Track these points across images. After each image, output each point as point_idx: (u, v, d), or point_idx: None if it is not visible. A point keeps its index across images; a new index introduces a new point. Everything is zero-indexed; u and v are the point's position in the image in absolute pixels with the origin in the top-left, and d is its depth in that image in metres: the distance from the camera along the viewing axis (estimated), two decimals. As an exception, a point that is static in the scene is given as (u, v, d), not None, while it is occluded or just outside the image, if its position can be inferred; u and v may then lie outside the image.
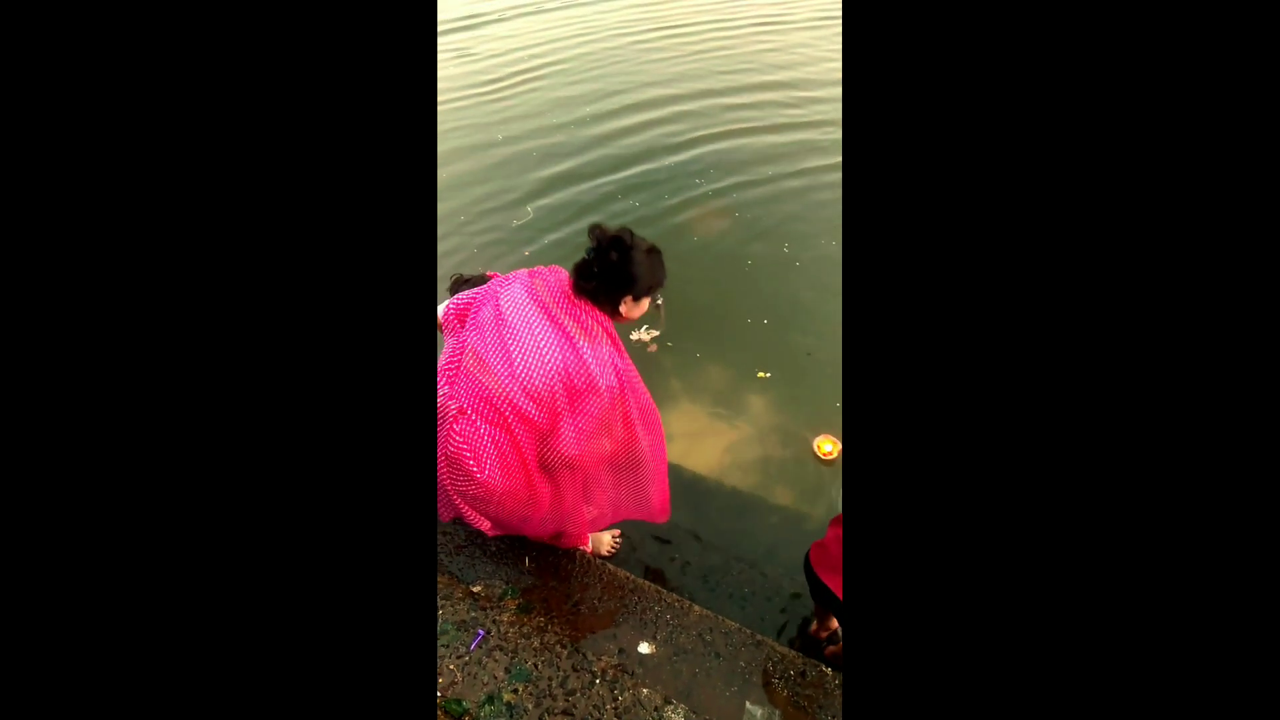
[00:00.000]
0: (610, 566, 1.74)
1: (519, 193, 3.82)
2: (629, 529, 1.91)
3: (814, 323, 2.67)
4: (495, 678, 1.41)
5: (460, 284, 1.55)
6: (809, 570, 1.41)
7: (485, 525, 1.55)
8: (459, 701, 1.35)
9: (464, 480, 1.36)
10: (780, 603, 1.76)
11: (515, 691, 1.39)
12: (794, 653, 1.53)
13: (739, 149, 4.13)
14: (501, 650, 1.47)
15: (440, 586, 1.63)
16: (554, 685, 1.41)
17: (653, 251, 1.39)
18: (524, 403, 1.27)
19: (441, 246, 3.26)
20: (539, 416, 1.29)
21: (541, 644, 1.49)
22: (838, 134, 4.03)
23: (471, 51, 6.74)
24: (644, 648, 1.52)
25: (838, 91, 4.36)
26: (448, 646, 1.47)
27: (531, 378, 1.27)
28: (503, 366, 1.27)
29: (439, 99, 5.36)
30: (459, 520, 1.51)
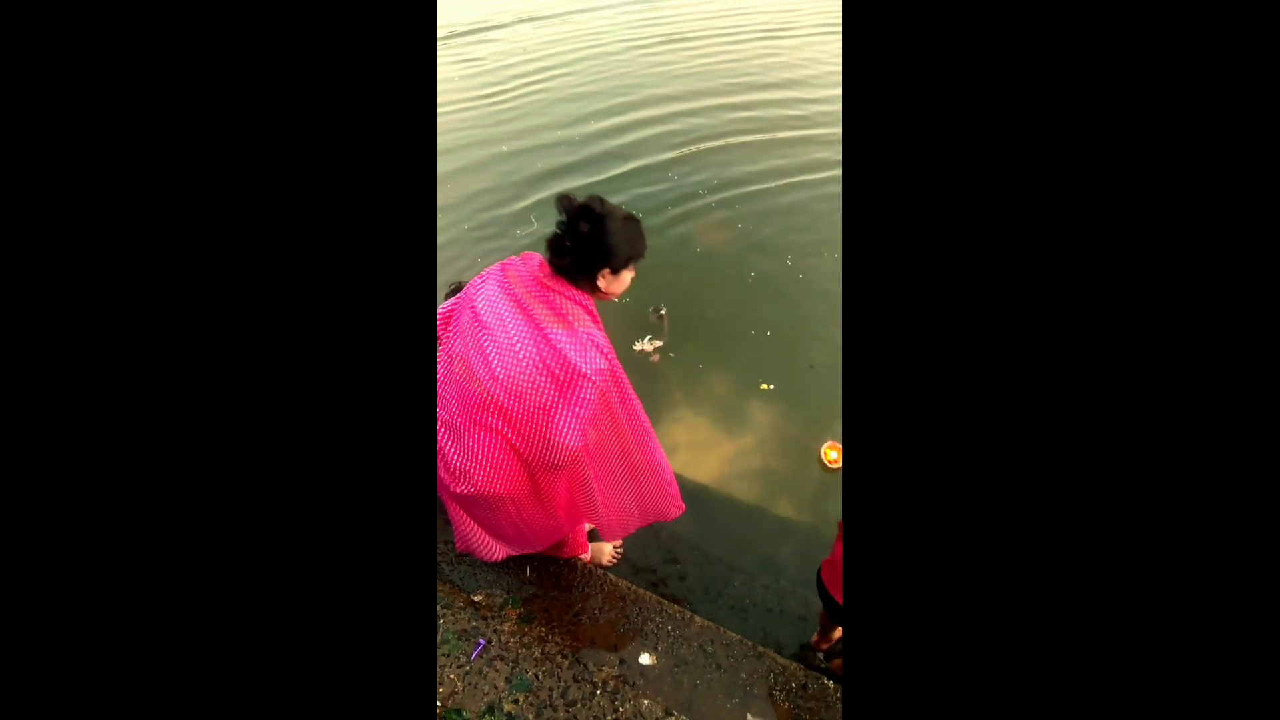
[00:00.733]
0: (611, 577, 1.74)
1: (523, 199, 3.85)
2: (630, 539, 1.91)
3: (817, 335, 2.67)
4: (496, 688, 1.41)
5: (458, 291, 1.54)
6: (821, 588, 1.39)
7: (498, 554, 1.54)
8: (459, 711, 1.35)
9: (463, 484, 1.35)
10: (782, 614, 1.75)
11: (516, 702, 1.39)
12: (796, 665, 1.52)
13: (742, 158, 4.14)
14: (502, 660, 1.47)
15: (441, 595, 1.63)
16: (555, 695, 1.41)
17: (629, 219, 1.27)
18: (510, 403, 1.23)
19: (442, 256, 3.28)
20: (528, 414, 1.24)
21: (542, 654, 1.49)
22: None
23: (477, 59, 6.80)
24: (645, 659, 1.51)
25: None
26: (449, 656, 1.47)
27: (511, 376, 1.22)
28: (484, 370, 1.24)
29: (444, 106, 5.43)
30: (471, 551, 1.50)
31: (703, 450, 2.27)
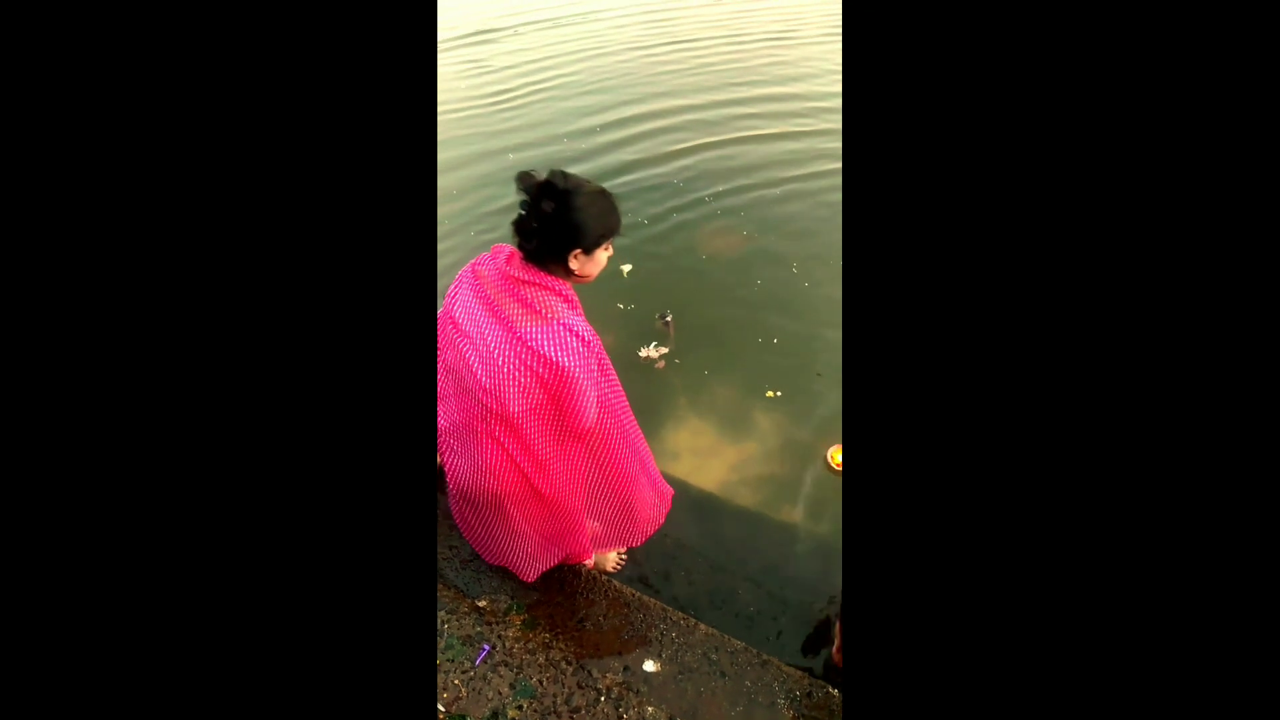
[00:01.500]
0: (616, 583, 1.74)
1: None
2: (634, 546, 1.91)
3: (824, 342, 2.67)
4: (500, 693, 1.41)
5: None
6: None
7: (531, 572, 1.56)
8: (463, 717, 1.35)
9: (476, 488, 1.35)
10: (787, 622, 1.75)
11: (520, 708, 1.39)
12: (800, 673, 1.52)
13: (747, 163, 4.14)
14: (506, 666, 1.47)
15: (446, 600, 1.63)
16: (559, 702, 1.41)
17: (599, 193, 1.18)
18: (501, 408, 1.20)
19: (442, 262, 3.29)
20: (526, 412, 1.21)
21: (546, 660, 1.49)
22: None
23: (483, 63, 6.81)
24: (649, 665, 1.51)
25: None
26: (453, 661, 1.47)
27: (498, 385, 1.19)
28: (472, 380, 1.22)
29: (447, 107, 5.44)
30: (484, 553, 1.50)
31: (708, 457, 2.27)
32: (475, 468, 1.32)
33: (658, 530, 1.67)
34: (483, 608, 1.63)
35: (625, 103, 5.30)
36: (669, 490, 1.64)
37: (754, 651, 1.56)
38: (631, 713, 1.39)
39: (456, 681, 1.43)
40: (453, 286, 1.31)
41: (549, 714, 1.37)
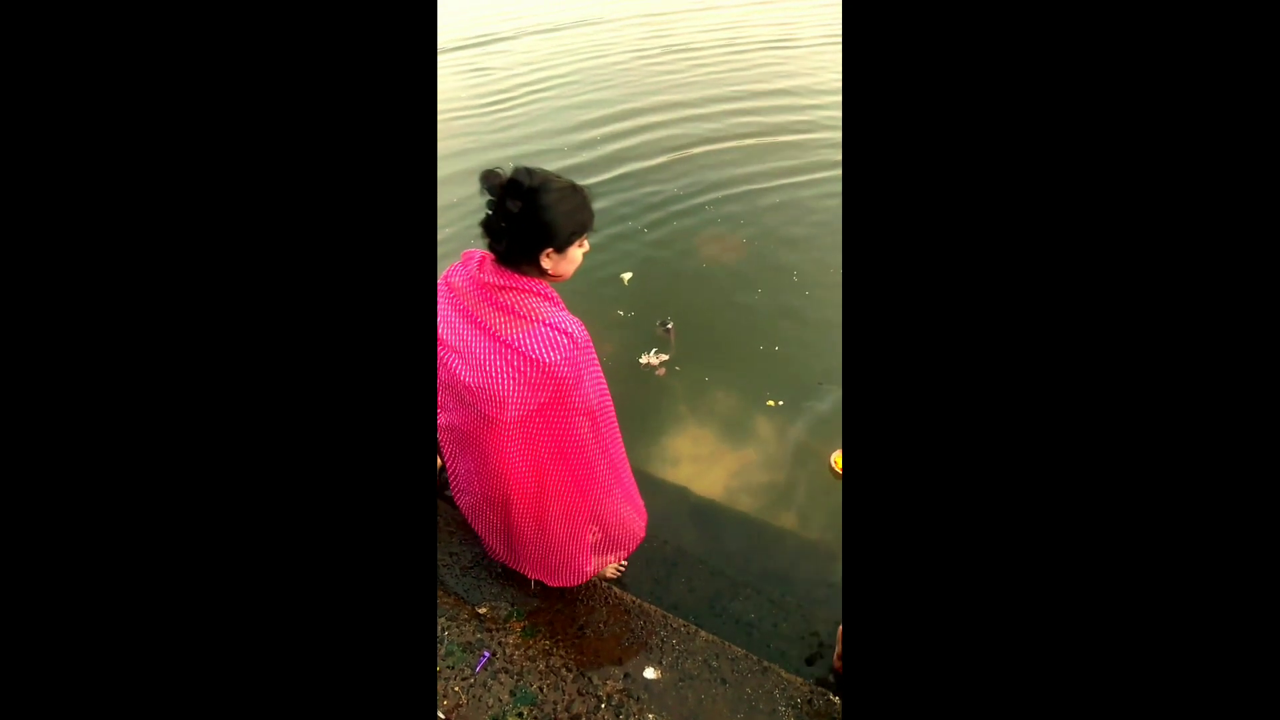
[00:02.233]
0: (616, 590, 1.74)
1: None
2: (634, 553, 1.91)
3: (826, 351, 2.67)
4: (500, 700, 1.41)
5: None
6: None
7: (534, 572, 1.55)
8: (464, 725, 1.35)
9: (489, 493, 1.35)
10: (788, 629, 1.75)
11: (520, 715, 1.39)
12: (801, 680, 1.52)
13: (749, 170, 4.15)
14: (507, 673, 1.47)
15: (446, 607, 1.63)
16: (559, 709, 1.41)
17: (570, 189, 1.12)
18: (498, 413, 1.19)
19: (442, 250, 3.30)
20: (528, 416, 1.19)
21: (547, 667, 1.49)
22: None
23: (484, 68, 6.85)
24: (650, 673, 1.51)
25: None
26: (453, 668, 1.47)
27: (491, 391, 1.16)
28: (467, 392, 1.21)
29: (449, 113, 5.48)
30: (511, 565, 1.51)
31: (708, 464, 2.27)
32: (484, 473, 1.32)
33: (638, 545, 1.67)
34: (483, 614, 1.63)
35: (625, 107, 5.33)
36: (643, 512, 1.63)
37: (755, 658, 1.56)
38: (632, 720, 1.39)
39: (457, 688, 1.43)
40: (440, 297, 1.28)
41: (549, 721, 1.37)
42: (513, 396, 1.16)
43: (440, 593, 1.68)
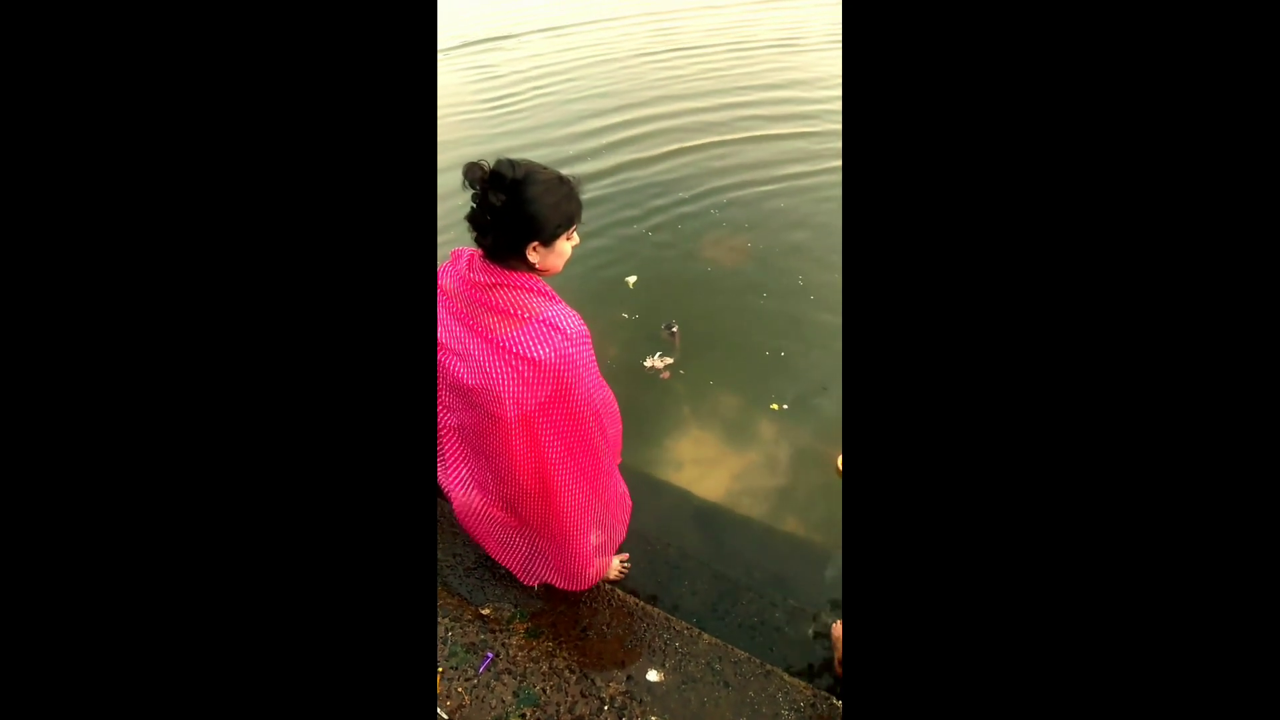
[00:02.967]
0: (619, 592, 1.74)
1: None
2: (637, 555, 1.91)
3: (830, 355, 2.67)
4: (503, 701, 1.42)
5: None
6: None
7: (532, 577, 1.55)
8: (467, 725, 1.36)
9: (500, 494, 1.35)
10: (790, 632, 1.75)
11: (523, 716, 1.39)
12: (804, 684, 1.52)
13: (756, 179, 4.15)
14: (510, 674, 1.48)
15: (450, 608, 1.64)
16: (562, 710, 1.41)
17: (556, 181, 1.09)
18: (500, 411, 1.18)
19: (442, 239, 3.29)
20: (530, 415, 1.18)
21: (550, 669, 1.50)
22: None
23: (489, 66, 6.86)
24: (652, 675, 1.52)
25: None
26: (456, 669, 1.48)
27: (492, 392, 1.15)
28: (470, 393, 1.21)
29: (454, 110, 5.49)
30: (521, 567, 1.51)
31: (711, 467, 2.27)
32: (495, 473, 1.32)
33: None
34: (486, 615, 1.63)
35: (631, 108, 5.34)
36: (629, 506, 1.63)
37: (757, 661, 1.56)
38: (635, 722, 1.39)
39: (460, 689, 1.44)
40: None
41: (552, 723, 1.38)
42: (512, 395, 1.15)
43: (443, 593, 1.69)
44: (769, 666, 1.55)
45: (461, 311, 1.17)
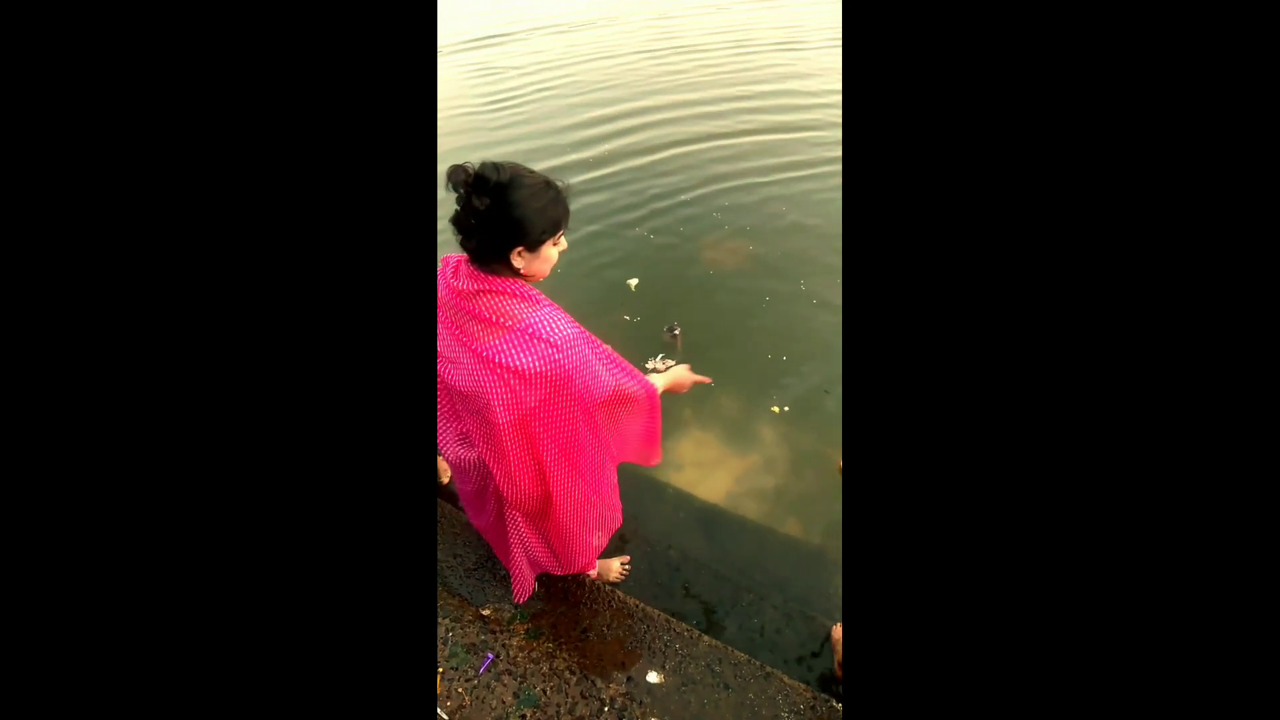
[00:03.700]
0: (619, 593, 1.74)
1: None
2: (638, 557, 1.92)
3: (831, 360, 2.67)
4: (504, 702, 1.42)
5: None
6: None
7: (523, 592, 1.54)
8: (468, 726, 1.36)
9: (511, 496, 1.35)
10: (790, 635, 1.75)
11: (524, 717, 1.40)
12: (803, 686, 1.52)
13: (759, 183, 4.15)
14: (510, 675, 1.48)
15: (450, 608, 1.64)
16: (562, 712, 1.41)
17: (543, 185, 1.06)
18: (494, 417, 1.17)
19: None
20: (524, 418, 1.17)
21: (550, 669, 1.50)
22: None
23: (491, 65, 6.86)
24: (652, 677, 1.52)
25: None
26: (457, 669, 1.48)
27: (484, 399, 1.15)
28: (468, 399, 1.21)
29: (455, 109, 5.49)
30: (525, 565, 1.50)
31: (712, 469, 2.28)
32: (497, 475, 1.32)
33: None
34: (487, 616, 1.63)
35: (633, 107, 5.34)
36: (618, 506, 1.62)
37: (758, 663, 1.56)
38: (635, 724, 1.39)
39: (460, 689, 1.44)
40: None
41: (552, 724, 1.38)
42: (502, 401, 1.15)
43: (444, 594, 1.69)
44: (769, 668, 1.55)
45: (449, 320, 1.17)
